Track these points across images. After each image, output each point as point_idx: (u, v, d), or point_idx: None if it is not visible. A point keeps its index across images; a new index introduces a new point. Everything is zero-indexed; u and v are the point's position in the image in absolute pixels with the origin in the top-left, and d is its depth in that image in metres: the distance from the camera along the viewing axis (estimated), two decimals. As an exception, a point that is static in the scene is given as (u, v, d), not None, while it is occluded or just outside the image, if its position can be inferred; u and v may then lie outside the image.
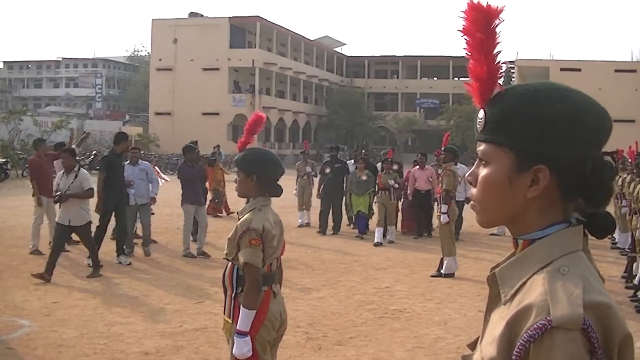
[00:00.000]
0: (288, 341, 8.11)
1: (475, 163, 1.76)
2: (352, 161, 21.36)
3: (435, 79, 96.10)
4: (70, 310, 9.96)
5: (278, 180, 4.93)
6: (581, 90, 1.68)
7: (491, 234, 18.69)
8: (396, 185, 17.60)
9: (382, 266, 14.19)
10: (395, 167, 18.05)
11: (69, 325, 9.20)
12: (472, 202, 1.75)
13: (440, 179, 13.57)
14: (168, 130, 72.06)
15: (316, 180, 20.70)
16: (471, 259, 14.94)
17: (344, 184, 19.56)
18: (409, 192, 18.44)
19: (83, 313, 9.83)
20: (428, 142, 79.25)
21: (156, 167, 17.58)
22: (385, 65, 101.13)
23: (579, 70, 73.41)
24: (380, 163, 19.19)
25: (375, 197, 18.00)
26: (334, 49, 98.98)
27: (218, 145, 47.44)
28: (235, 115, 72.93)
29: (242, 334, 4.56)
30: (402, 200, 18.84)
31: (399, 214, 19.17)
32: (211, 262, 13.94)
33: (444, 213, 12.95)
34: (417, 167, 18.60)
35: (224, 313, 4.85)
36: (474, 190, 1.74)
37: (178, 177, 15.48)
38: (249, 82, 77.88)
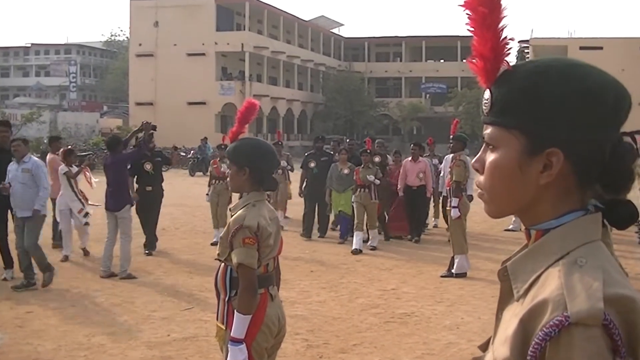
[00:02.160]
0: (286, 349, 8.11)
1: (482, 148, 1.75)
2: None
3: (442, 61, 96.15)
4: (46, 321, 9.96)
5: (273, 172, 4.94)
6: (603, 70, 1.67)
7: (506, 230, 18.72)
8: (377, 182, 16.27)
9: (387, 266, 14.20)
10: (376, 159, 17.07)
11: (44, 336, 9.19)
12: (479, 190, 1.75)
13: (450, 169, 13.55)
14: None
15: (293, 175, 20.27)
16: (485, 257, 14.94)
17: None
18: (399, 187, 17.44)
19: (60, 323, 9.82)
20: (435, 130, 79.10)
21: (87, 170, 15.79)
22: (387, 47, 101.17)
23: (601, 48, 73.55)
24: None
25: (352, 196, 16.60)
26: (331, 30, 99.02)
27: (205, 138, 47.51)
28: (223, 105, 73.08)
29: (236, 341, 4.55)
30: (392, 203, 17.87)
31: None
32: (201, 264, 13.95)
33: (454, 207, 12.95)
34: (410, 159, 17.60)
35: (217, 319, 4.85)
36: (481, 178, 1.73)
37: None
38: (238, 68, 77.98)
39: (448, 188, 13.56)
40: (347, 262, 14.65)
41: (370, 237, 16.40)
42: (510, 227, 18.68)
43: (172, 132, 67.77)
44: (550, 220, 1.64)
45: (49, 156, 15.93)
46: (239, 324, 4.55)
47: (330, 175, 17.38)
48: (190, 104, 74.04)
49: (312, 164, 18.49)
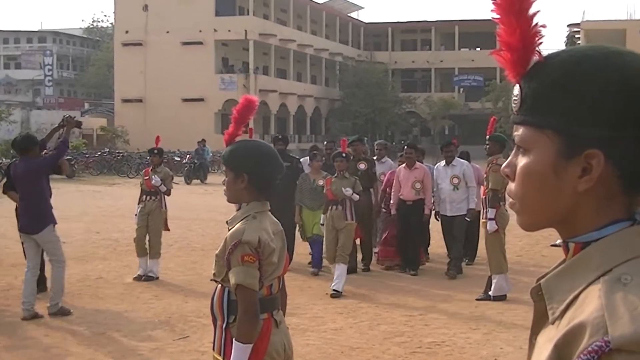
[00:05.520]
0: (295, 385, 8.13)
1: (513, 152, 1.75)
2: (307, 159, 17.50)
3: (478, 49, 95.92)
4: (16, 352, 9.98)
5: (276, 180, 4.94)
6: None
7: (553, 245, 18.59)
8: (356, 197, 14.11)
9: (413, 288, 14.18)
10: (362, 166, 15.76)
11: (16, 370, 9.24)
12: (510, 200, 1.75)
13: (485, 175, 13.47)
14: (139, 121, 72.22)
15: None
16: (528, 277, 14.82)
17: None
18: (391, 202, 15.86)
19: (33, 356, 9.83)
20: (470, 130, 79.34)
21: None
22: (413, 34, 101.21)
23: (666, 31, 73.00)
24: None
25: (322, 217, 14.51)
26: (349, 15, 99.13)
27: (203, 140, 47.54)
28: (224, 102, 73.13)
29: (235, 374, 4.56)
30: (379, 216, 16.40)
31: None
32: (198, 286, 13.96)
33: (490, 219, 12.87)
34: (403, 165, 15.84)
35: (214, 349, 4.85)
36: (512, 186, 1.73)
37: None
38: (241, 59, 78.11)
39: (484, 197, 13.43)
40: (368, 283, 14.63)
41: (335, 276, 13.83)
42: (558, 242, 18.34)
43: (164, 133, 67.74)
44: (590, 232, 1.63)
45: None
46: (238, 354, 4.55)
47: (299, 188, 15.62)
48: (185, 100, 74.19)
49: None
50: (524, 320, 11.47)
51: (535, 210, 1.70)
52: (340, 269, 13.72)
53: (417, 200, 15.45)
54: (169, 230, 15.49)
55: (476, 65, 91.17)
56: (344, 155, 14.43)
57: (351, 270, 14.86)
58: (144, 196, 15.09)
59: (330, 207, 14.11)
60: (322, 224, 14.38)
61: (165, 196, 15.21)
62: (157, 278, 14.74)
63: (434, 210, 15.86)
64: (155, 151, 15.50)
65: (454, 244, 15.46)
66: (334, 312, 12.26)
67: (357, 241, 15.48)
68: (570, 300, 1.58)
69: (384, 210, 16.33)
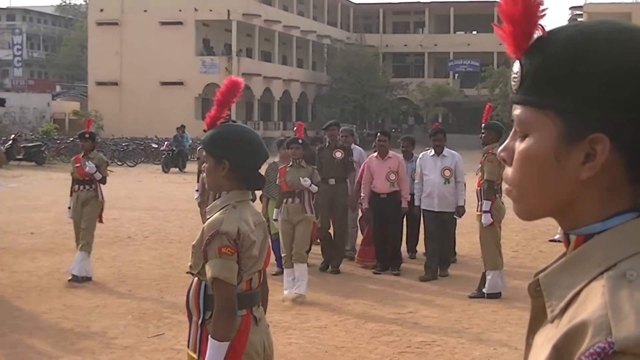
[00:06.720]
0: (277, 386, 8.10)
1: (511, 134, 1.71)
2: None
3: (474, 33, 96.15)
4: (-19, 350, 9.94)
5: (259, 167, 4.91)
6: None
7: (551, 240, 18.61)
8: (314, 188, 13.27)
9: (403, 284, 14.20)
10: (338, 154, 15.36)
11: (-20, 369, 9.20)
12: (507, 186, 1.71)
13: (480, 165, 13.39)
14: (114, 106, 72.09)
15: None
16: (524, 274, 14.83)
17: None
18: (362, 195, 15.39)
19: (-2, 352, 9.81)
20: (465, 117, 79.36)
21: None
22: (406, 16, 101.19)
23: (676, 14, 73.27)
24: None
25: (275, 211, 13.80)
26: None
27: (182, 126, 47.43)
28: (205, 86, 73.04)
29: (211, 374, 4.53)
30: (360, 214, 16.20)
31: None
32: (175, 280, 13.91)
33: (485, 212, 12.84)
34: (375, 154, 15.37)
35: (189, 346, 4.84)
36: (509, 171, 1.69)
37: None
38: (223, 40, 77.94)
39: (479, 188, 13.36)
40: (354, 278, 14.63)
41: (295, 277, 13.05)
42: (557, 237, 18.48)
43: (141, 119, 67.84)
44: (593, 223, 1.59)
45: None
46: (214, 352, 4.52)
47: (268, 179, 14.22)
48: (164, 84, 74.00)
49: None
50: (519, 319, 11.48)
51: (534, 198, 1.66)
52: (299, 269, 13.00)
53: (392, 192, 15.07)
54: (102, 222, 14.60)
55: (472, 50, 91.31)
56: (300, 141, 13.52)
57: (325, 268, 15.11)
58: (77, 186, 14.21)
59: (285, 200, 13.31)
60: (276, 219, 13.61)
61: (101, 185, 14.26)
62: (90, 279, 13.81)
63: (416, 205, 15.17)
64: (87, 135, 14.46)
65: (444, 242, 15.20)
66: (318, 310, 12.24)
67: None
68: (571, 297, 1.54)
69: (361, 205, 15.87)
